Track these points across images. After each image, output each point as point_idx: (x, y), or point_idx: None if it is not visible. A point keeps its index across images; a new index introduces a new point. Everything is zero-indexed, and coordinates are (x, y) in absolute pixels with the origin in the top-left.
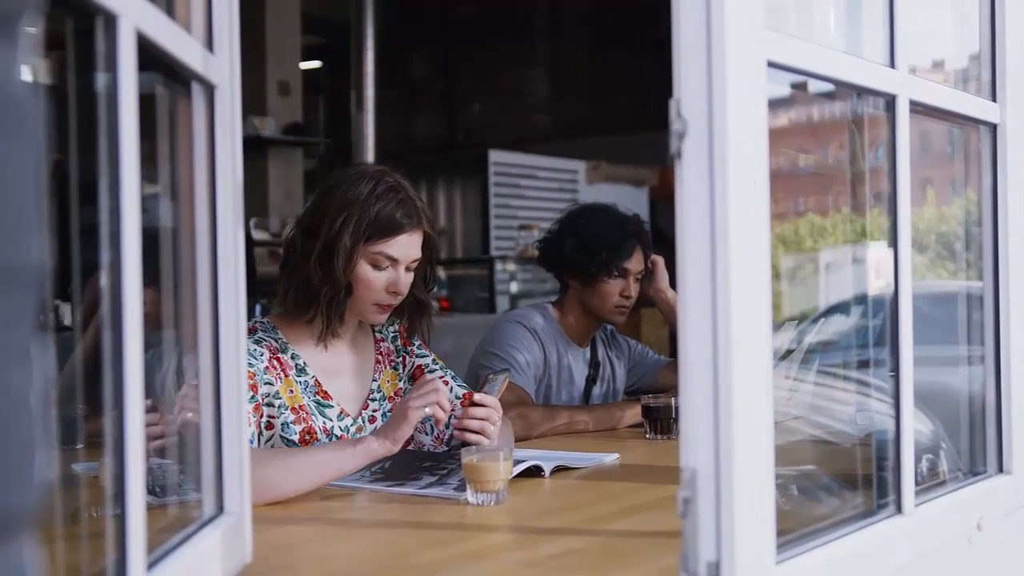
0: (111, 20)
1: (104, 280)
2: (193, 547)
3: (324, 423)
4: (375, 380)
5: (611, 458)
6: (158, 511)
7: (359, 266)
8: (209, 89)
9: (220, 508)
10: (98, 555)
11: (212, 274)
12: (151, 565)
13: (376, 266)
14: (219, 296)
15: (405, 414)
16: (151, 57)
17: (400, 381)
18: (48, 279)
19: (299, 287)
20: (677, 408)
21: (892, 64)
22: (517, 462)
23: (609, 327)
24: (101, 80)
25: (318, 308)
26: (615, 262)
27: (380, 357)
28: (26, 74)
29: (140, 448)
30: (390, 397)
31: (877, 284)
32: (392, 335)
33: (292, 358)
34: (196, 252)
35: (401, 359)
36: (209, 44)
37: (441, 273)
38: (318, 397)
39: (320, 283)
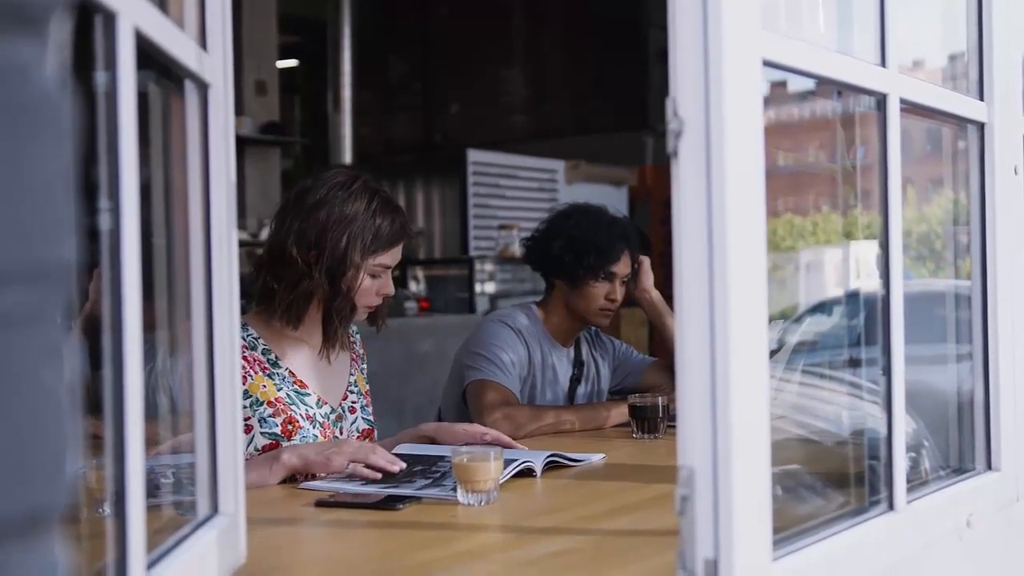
0: (110, 18)
1: (94, 279)
2: (189, 547)
3: (306, 410)
4: (352, 375)
5: (598, 458)
6: (152, 511)
7: (364, 279)
8: (203, 88)
9: (215, 509)
10: (94, 556)
11: (206, 275)
12: (150, 565)
13: (373, 276)
14: (213, 297)
15: (328, 458)
16: (146, 55)
17: (366, 383)
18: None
19: (303, 299)
20: (664, 407)
21: (883, 63)
22: (508, 462)
23: (594, 327)
24: (99, 78)
25: (323, 320)
26: (603, 265)
27: (354, 355)
28: (55, 72)
29: (140, 450)
30: (365, 393)
31: (859, 283)
32: (359, 341)
33: (263, 353)
34: (190, 252)
35: (365, 366)
36: (203, 43)
37: (420, 273)
38: (295, 387)
39: (329, 298)
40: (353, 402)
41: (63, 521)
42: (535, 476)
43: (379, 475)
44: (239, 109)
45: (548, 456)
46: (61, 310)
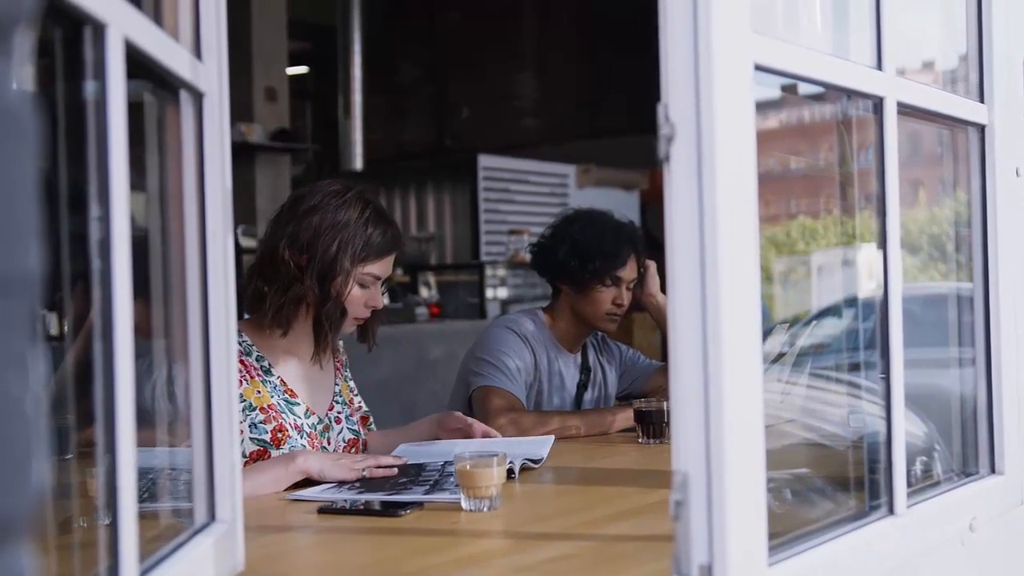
0: (100, 29)
1: (93, 289)
2: (185, 555)
3: (294, 420)
4: (336, 385)
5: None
6: (149, 519)
7: (353, 287)
8: (198, 97)
9: (212, 516)
10: (89, 564)
11: (202, 283)
12: (143, 573)
13: (362, 285)
14: (209, 305)
15: (342, 468)
16: (139, 65)
17: (351, 392)
18: (41, 288)
19: (293, 304)
20: (669, 412)
21: (879, 66)
22: None
23: (600, 332)
24: (89, 88)
25: (313, 326)
26: (609, 270)
27: (339, 365)
28: (21, 83)
29: (132, 457)
30: (349, 402)
31: (868, 286)
32: (342, 348)
33: (257, 360)
34: (186, 261)
35: (348, 372)
36: (197, 52)
37: (431, 279)
38: (286, 395)
39: (319, 303)
40: (339, 412)
41: (30, 528)
42: (514, 479)
43: (395, 470)
44: (249, 116)
45: (523, 459)
46: (27, 320)
